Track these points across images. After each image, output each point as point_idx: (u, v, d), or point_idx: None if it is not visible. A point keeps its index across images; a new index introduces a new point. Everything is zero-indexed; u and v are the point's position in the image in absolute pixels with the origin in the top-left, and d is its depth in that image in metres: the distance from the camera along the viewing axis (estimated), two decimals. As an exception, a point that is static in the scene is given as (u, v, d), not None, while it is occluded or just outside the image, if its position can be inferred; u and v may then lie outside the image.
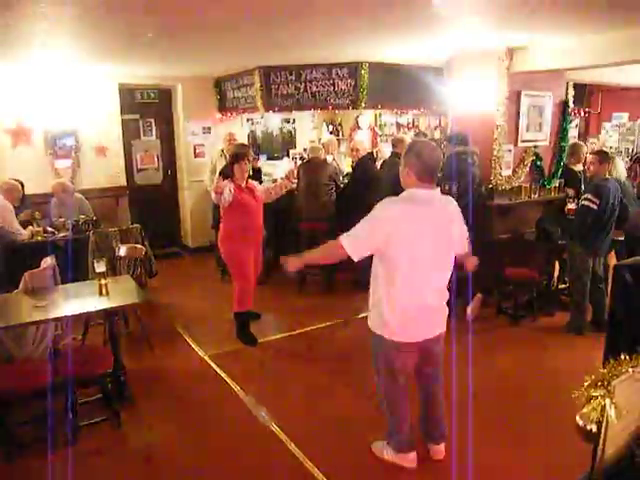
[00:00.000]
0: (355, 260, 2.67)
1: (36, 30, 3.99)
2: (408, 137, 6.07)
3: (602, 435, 1.36)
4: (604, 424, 1.34)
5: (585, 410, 1.37)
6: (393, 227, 2.63)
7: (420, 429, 3.19)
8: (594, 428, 1.37)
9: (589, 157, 5.19)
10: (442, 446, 3.16)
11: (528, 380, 4.16)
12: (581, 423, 1.39)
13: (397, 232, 2.63)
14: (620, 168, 5.46)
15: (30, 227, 5.52)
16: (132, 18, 3.81)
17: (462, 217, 2.92)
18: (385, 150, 8.50)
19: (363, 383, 4.14)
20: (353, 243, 2.67)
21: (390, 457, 3.12)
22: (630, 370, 1.41)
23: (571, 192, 5.80)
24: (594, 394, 1.35)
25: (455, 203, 2.92)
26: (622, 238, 5.41)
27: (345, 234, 2.69)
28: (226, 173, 4.77)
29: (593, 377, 1.38)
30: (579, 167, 5.93)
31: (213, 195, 4.70)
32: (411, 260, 2.66)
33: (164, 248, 8.01)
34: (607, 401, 1.33)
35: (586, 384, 1.39)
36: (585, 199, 4.81)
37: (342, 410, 3.78)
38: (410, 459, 3.06)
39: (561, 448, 3.16)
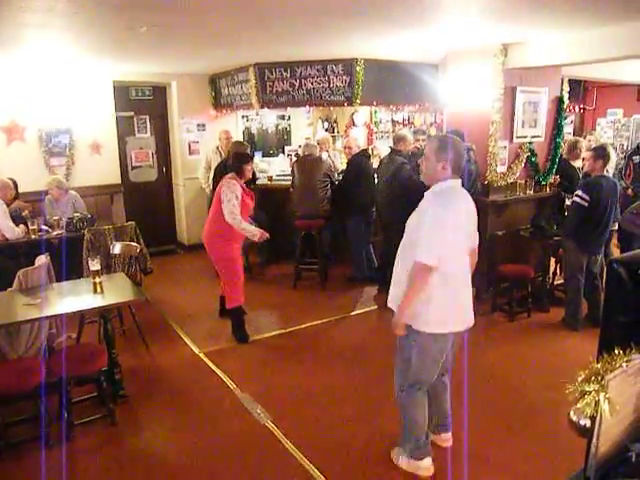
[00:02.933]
0: (435, 265, 2.61)
1: (28, 24, 3.96)
2: (409, 134, 6.04)
3: (596, 430, 1.36)
4: (598, 419, 1.34)
5: (579, 405, 1.37)
6: (449, 223, 2.67)
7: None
8: (588, 423, 1.36)
9: (586, 153, 5.21)
10: (450, 433, 3.25)
11: (523, 376, 4.17)
12: (575, 418, 1.38)
13: (453, 227, 2.68)
14: (613, 158, 5.49)
15: (22, 226, 5.47)
16: (125, 13, 3.78)
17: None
18: (381, 147, 8.50)
19: (359, 379, 4.15)
20: (432, 252, 2.62)
21: (405, 464, 3.06)
22: (624, 365, 1.41)
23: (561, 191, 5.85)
24: (588, 389, 1.34)
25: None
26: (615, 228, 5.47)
27: (418, 253, 2.63)
28: (235, 170, 4.78)
29: (587, 372, 1.38)
30: (578, 163, 5.96)
31: (230, 216, 4.60)
32: (457, 250, 2.74)
33: (159, 245, 7.99)
34: (601, 396, 1.33)
35: (580, 379, 1.38)
36: (576, 195, 4.84)
37: (338, 407, 3.77)
38: (426, 465, 3.02)
39: (557, 443, 3.18)
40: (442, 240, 2.64)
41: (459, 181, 2.81)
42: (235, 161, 4.85)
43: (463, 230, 2.76)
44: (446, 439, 3.25)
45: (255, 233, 4.71)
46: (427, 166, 2.80)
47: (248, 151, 6.36)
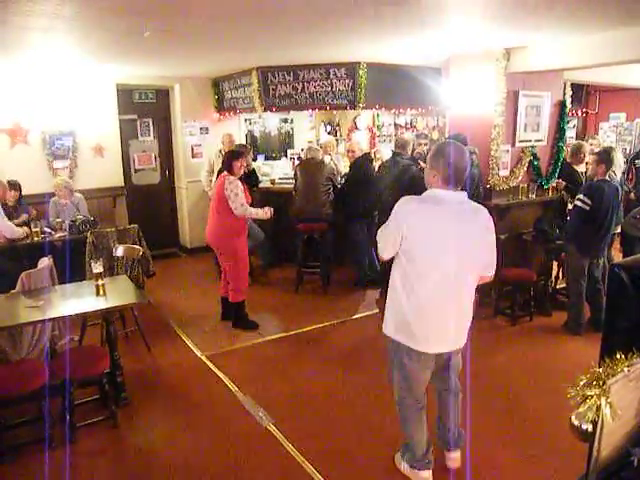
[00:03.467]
0: (385, 259, 2.76)
1: (32, 28, 3.97)
2: (411, 138, 6.05)
3: (597, 435, 1.36)
4: (599, 424, 1.34)
5: (581, 409, 1.37)
6: (407, 223, 2.58)
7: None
8: (590, 428, 1.36)
9: (590, 157, 5.20)
10: (456, 453, 3.10)
11: (525, 379, 4.16)
12: (577, 423, 1.38)
13: (410, 229, 2.58)
14: (618, 160, 5.43)
15: (25, 227, 5.48)
16: (129, 18, 3.80)
17: (491, 240, 2.70)
18: (383, 151, 8.50)
19: (361, 382, 4.14)
20: (380, 243, 2.76)
21: (405, 471, 3.03)
22: (625, 369, 1.41)
23: (566, 195, 5.83)
24: (589, 393, 1.35)
25: (489, 220, 2.69)
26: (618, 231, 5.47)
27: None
28: (225, 168, 5.02)
29: (588, 376, 1.38)
30: (582, 167, 5.95)
31: (241, 209, 4.88)
32: (427, 261, 2.58)
33: (162, 248, 8.00)
34: (602, 400, 1.33)
35: (582, 383, 1.38)
36: (578, 199, 4.84)
37: (340, 410, 3.77)
38: (425, 477, 2.95)
39: (558, 448, 3.18)
40: (394, 235, 2.63)
41: (453, 193, 2.60)
42: (225, 159, 5.15)
43: (439, 243, 2.55)
44: (449, 458, 3.09)
45: (266, 212, 5.11)
46: (425, 171, 2.76)
47: (252, 154, 6.43)
